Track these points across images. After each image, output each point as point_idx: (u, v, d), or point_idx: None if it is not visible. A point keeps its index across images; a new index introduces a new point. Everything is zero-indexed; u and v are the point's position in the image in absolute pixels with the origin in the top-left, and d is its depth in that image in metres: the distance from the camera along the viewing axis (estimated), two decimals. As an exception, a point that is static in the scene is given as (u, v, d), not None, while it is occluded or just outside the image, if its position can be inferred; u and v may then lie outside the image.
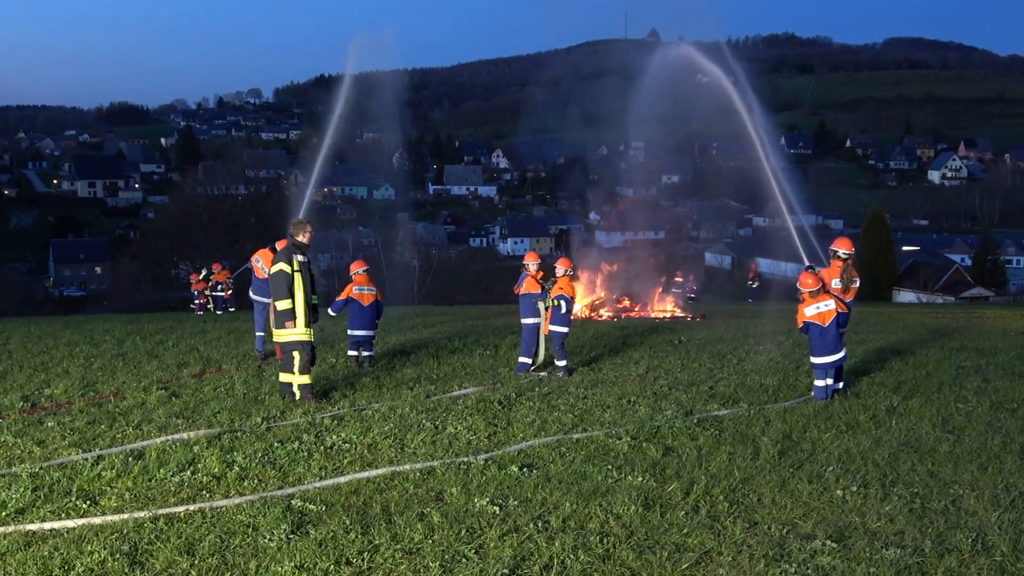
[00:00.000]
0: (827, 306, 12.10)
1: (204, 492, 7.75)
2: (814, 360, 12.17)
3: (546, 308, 14.41)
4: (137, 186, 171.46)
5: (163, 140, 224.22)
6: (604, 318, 25.78)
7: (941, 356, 16.13)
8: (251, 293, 16.18)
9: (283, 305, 11.74)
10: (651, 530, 6.75)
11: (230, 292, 30.21)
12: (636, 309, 27.60)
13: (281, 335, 11.95)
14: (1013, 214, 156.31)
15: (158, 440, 9.42)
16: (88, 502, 7.40)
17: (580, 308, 25.02)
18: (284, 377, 11.97)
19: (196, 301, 31.03)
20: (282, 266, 11.79)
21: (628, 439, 9.54)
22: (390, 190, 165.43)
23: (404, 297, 50.92)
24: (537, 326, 14.63)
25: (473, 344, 17.65)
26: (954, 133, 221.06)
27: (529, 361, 14.62)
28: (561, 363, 14.34)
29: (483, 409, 11.22)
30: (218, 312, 29.27)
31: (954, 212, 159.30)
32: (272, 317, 12.27)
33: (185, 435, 9.63)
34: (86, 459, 8.63)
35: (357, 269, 15.41)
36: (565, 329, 14.40)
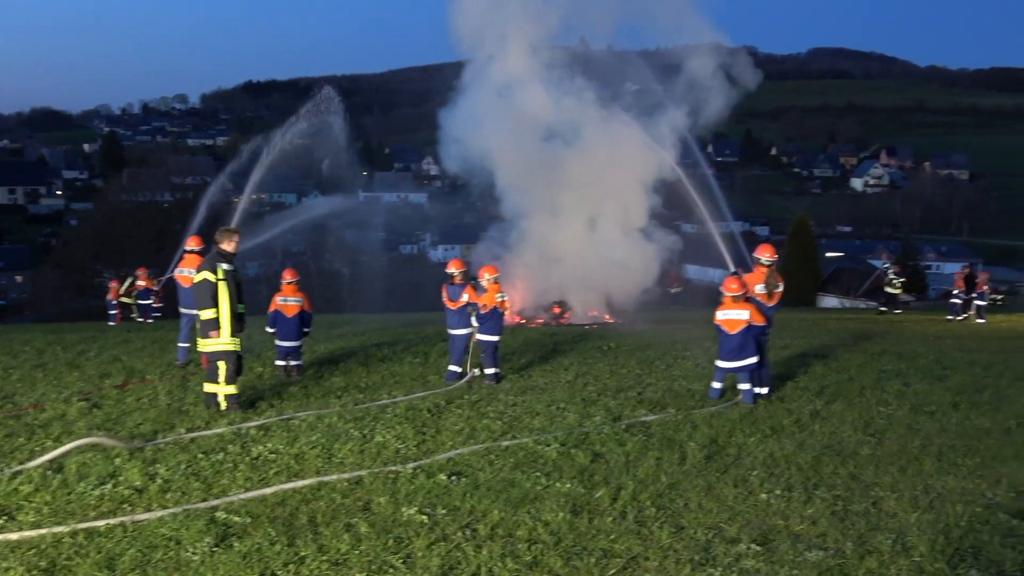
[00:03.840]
0: (738, 315, 12.25)
1: (125, 505, 7.58)
2: (716, 361, 12.47)
3: (477, 321, 14.41)
4: (60, 193, 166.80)
5: (86, 146, 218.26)
6: (534, 324, 25.87)
7: (863, 360, 16.49)
8: (180, 306, 15.88)
9: (207, 315, 11.58)
10: (579, 536, 6.78)
11: (159, 300, 29.41)
12: (567, 316, 27.74)
13: (206, 345, 11.78)
14: (933, 221, 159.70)
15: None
16: (4, 517, 7.20)
17: (509, 314, 25.03)
18: (209, 387, 11.80)
19: (112, 311, 30.20)
20: (206, 275, 11.64)
21: (557, 446, 9.57)
22: (319, 197, 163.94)
23: (334, 304, 50.43)
24: (468, 335, 14.63)
25: (403, 352, 17.57)
26: (877, 141, 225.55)
27: (459, 369, 14.59)
28: (490, 371, 14.35)
29: (412, 417, 11.18)
30: (149, 320, 28.51)
31: (876, 219, 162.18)
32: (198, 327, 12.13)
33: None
34: (3, 473, 8.40)
35: (285, 279, 15.27)
36: (496, 338, 14.41)
